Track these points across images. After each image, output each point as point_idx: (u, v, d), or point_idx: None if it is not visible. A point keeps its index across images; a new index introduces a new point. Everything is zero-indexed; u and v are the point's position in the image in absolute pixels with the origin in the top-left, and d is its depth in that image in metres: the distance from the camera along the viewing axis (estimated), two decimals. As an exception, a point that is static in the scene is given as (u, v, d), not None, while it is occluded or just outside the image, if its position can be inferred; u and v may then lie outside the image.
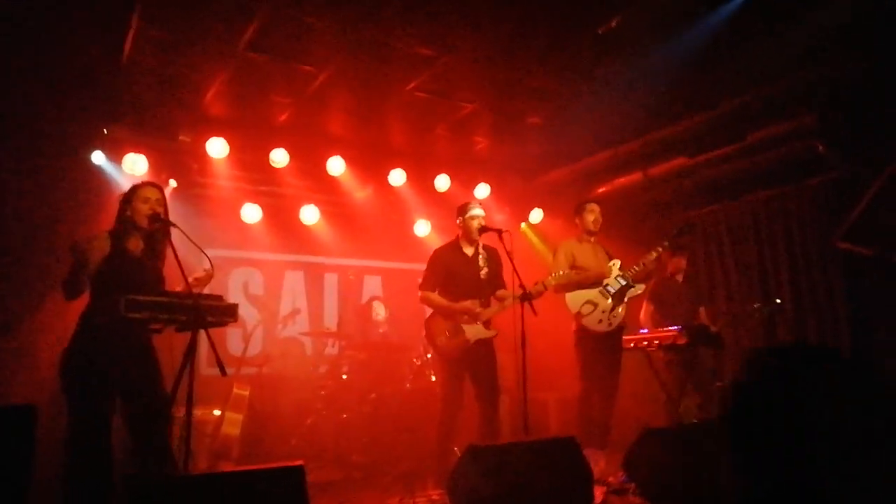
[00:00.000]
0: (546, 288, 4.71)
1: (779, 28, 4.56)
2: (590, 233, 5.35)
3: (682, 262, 5.93)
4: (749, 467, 1.10)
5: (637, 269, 5.13)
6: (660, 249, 5.18)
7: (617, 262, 5.23)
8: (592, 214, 5.31)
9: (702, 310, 5.95)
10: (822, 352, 1.15)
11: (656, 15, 4.44)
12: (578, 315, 5.07)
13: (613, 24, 4.56)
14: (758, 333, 6.07)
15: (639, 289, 5.20)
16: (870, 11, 4.21)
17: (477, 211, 4.84)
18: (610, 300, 5.08)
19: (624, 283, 5.13)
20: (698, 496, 3.53)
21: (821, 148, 5.13)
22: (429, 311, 5.01)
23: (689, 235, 5.53)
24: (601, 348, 5.09)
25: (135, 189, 3.60)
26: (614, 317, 5.09)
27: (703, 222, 6.85)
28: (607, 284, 5.12)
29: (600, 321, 5.05)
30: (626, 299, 5.14)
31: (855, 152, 5.21)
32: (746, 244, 6.38)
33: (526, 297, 4.28)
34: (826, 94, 4.98)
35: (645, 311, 5.98)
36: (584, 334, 5.11)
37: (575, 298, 5.07)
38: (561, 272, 4.89)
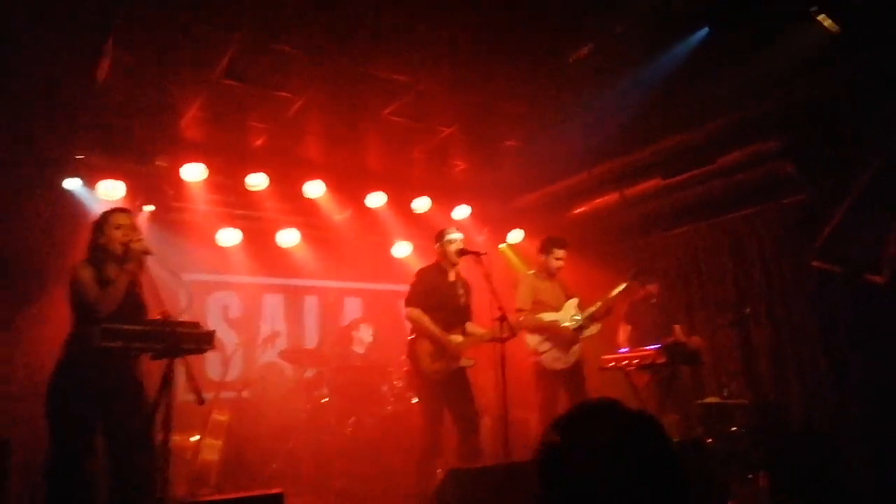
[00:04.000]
0: (517, 333, 4.56)
1: (748, 55, 4.68)
2: (551, 274, 5.49)
3: (654, 289, 6.08)
4: None
5: (593, 310, 5.32)
6: (601, 303, 5.33)
7: (574, 301, 5.41)
8: (560, 261, 5.44)
9: (676, 327, 6.02)
10: None
11: (626, 44, 4.54)
12: (535, 352, 5.21)
13: (585, 52, 4.64)
14: (734, 352, 6.15)
15: (594, 329, 5.34)
16: (835, 39, 4.34)
17: (455, 235, 4.85)
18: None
19: (579, 320, 5.29)
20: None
21: (789, 169, 5.25)
22: (408, 327, 4.96)
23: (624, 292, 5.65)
24: (560, 384, 5.24)
25: (106, 216, 3.58)
26: (571, 355, 5.23)
27: (677, 242, 6.95)
28: (565, 324, 5.28)
29: (557, 359, 5.19)
30: (580, 338, 5.29)
31: (823, 173, 5.33)
32: (721, 263, 6.48)
33: (498, 339, 4.33)
34: (794, 118, 5.10)
35: (623, 332, 6.08)
36: (542, 371, 5.22)
37: (533, 335, 5.21)
38: (526, 315, 5.05)
